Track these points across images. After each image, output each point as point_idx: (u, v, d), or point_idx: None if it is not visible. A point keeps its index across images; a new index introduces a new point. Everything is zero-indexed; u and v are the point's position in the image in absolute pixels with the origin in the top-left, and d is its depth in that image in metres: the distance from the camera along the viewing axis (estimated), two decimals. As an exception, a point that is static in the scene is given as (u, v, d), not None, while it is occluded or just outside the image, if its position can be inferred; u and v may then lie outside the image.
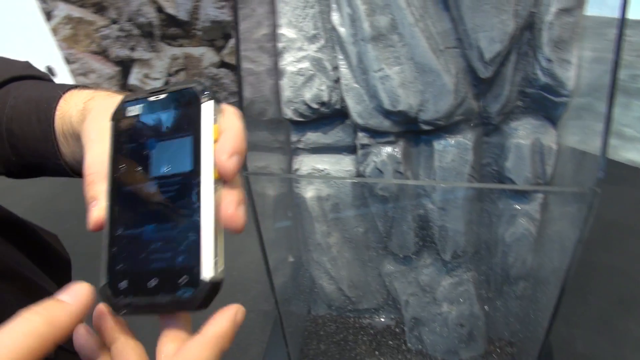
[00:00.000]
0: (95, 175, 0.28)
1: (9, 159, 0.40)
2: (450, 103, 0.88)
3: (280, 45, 0.96)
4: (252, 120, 1.07)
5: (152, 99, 0.29)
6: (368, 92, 0.92)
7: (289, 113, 1.01)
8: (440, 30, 0.84)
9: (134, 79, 2.51)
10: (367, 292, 1.28)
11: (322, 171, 1.09)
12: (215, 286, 0.25)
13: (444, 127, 0.94)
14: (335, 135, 1.05)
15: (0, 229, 0.41)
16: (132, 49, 2.42)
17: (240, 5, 0.86)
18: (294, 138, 1.07)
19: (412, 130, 0.96)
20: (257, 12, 0.96)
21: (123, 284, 0.26)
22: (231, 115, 0.29)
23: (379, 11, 0.83)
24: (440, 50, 0.85)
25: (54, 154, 0.37)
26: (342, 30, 0.88)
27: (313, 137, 1.06)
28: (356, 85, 0.92)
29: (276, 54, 0.96)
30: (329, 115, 1.01)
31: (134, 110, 0.29)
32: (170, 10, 2.33)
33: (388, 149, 0.97)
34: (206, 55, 2.53)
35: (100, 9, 2.28)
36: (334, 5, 0.88)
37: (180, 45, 2.45)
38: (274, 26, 0.96)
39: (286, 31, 0.95)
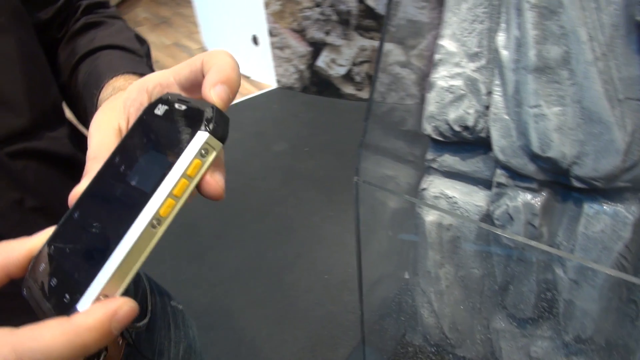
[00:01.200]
0: (91, 163, 0.29)
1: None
2: (615, 164, 0.73)
3: (437, 56, 0.89)
4: (390, 126, 1.03)
5: (176, 106, 0.27)
6: (517, 128, 0.81)
7: (428, 129, 0.94)
8: (624, 75, 0.69)
9: (321, 61, 2.64)
10: (469, 340, 1.16)
11: (450, 198, 1.01)
12: None
13: (601, 190, 0.78)
14: (474, 164, 0.96)
15: (69, 169, 0.45)
16: (327, 33, 2.54)
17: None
18: (429, 156, 1.01)
19: (561, 183, 0.82)
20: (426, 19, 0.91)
21: (42, 265, 0.25)
22: (222, 55, 0.28)
23: (552, 40, 0.72)
24: (619, 100, 0.70)
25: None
26: (504, 53, 0.78)
27: (450, 160, 0.98)
28: (506, 117, 0.82)
29: (430, 65, 0.90)
30: (471, 141, 0.92)
31: (159, 110, 0.28)
32: (370, 2, 2.37)
33: (526, 196, 0.85)
34: (393, 52, 2.53)
35: (308, -9, 2.42)
36: (502, 25, 0.78)
37: (371, 38, 2.49)
38: (437, 36, 0.90)
39: (447, 43, 0.88)
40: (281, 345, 1.54)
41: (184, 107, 0.27)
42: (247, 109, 2.75)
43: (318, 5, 2.46)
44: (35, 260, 0.26)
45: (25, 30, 0.39)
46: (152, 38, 3.66)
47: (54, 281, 0.24)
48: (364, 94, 2.66)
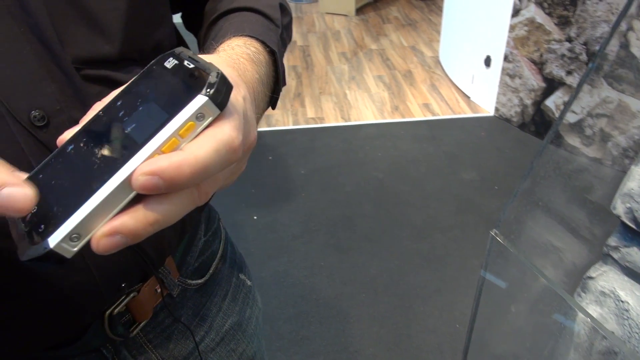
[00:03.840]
0: (99, 104, 0.29)
1: None
2: None
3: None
4: (574, 189, 0.84)
5: (185, 63, 0.27)
6: None
7: (620, 209, 0.74)
8: None
9: (552, 101, 2.35)
10: None
11: (621, 302, 0.78)
12: (52, 257, 0.23)
13: None
14: (669, 274, 0.72)
15: None
16: (569, 72, 2.24)
17: None
18: (612, 242, 0.80)
19: None
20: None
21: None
22: (210, 141, 0.24)
23: None
24: None
25: None
26: None
27: (637, 257, 0.76)
28: None
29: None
30: (675, 244, 0.69)
31: (168, 63, 0.27)
32: (635, 49, 2.00)
33: None
34: (646, 114, 2.10)
35: (563, 23, 2.17)
36: None
37: (622, 91, 2.11)
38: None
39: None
40: (382, 371, 1.45)
41: (191, 66, 0.26)
42: (453, 128, 2.63)
43: (569, 40, 2.18)
44: (30, 179, 0.27)
45: None
46: (393, 37, 3.77)
47: (34, 207, 0.25)
48: (590, 151, 2.29)
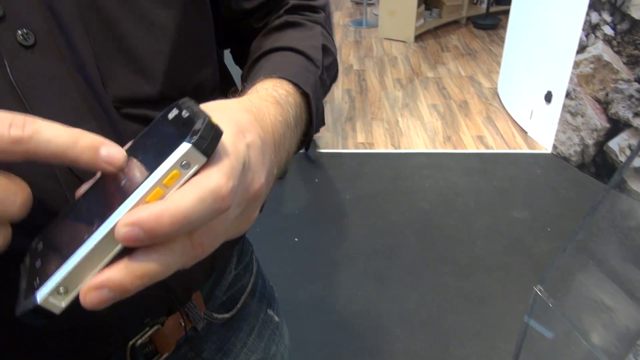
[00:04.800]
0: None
1: None
2: None
3: None
4: (631, 248, 0.79)
5: (183, 113, 0.26)
6: None
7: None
8: None
9: (616, 143, 2.23)
10: None
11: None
12: (40, 312, 0.23)
13: None
14: None
15: None
16: (637, 114, 2.12)
17: None
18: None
19: None
20: None
21: (40, 243, 0.27)
22: (194, 190, 0.24)
23: None
24: None
25: None
26: None
27: (700, 329, 0.69)
28: None
29: None
30: None
31: (171, 114, 0.27)
32: None
33: None
34: None
35: (633, 62, 2.06)
36: None
37: (695, 138, 1.97)
38: None
39: None
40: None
41: (186, 115, 0.26)
42: (506, 163, 2.54)
43: (639, 80, 2.07)
44: (40, 236, 0.28)
45: (195, 10, 0.40)
46: (452, 66, 3.72)
47: (38, 262, 0.25)
48: (655, 199, 2.15)
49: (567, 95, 2.39)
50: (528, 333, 0.83)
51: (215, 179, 0.24)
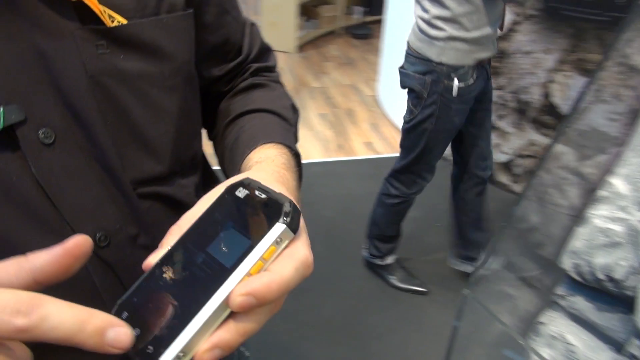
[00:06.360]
0: (176, 228, 0.32)
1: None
2: None
3: (601, 193, 0.80)
4: (524, 245, 0.95)
5: (256, 193, 0.31)
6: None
7: (567, 264, 0.84)
8: None
9: (484, 142, 2.55)
10: None
11: (569, 345, 0.88)
12: None
13: None
14: (609, 320, 0.83)
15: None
16: (500, 117, 2.45)
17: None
18: (560, 291, 0.90)
19: None
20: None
21: (125, 314, 0.29)
22: (290, 261, 0.29)
23: None
24: None
25: None
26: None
27: (582, 304, 0.86)
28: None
29: (587, 197, 0.81)
30: (613, 294, 0.80)
31: (240, 193, 0.31)
32: (556, 99, 2.24)
33: (663, 385, 0.71)
34: (566, 157, 2.34)
35: (494, 73, 2.37)
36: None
37: (545, 135, 2.34)
38: (608, 171, 0.81)
39: (618, 183, 0.79)
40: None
41: (263, 196, 0.31)
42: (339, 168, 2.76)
43: (500, 88, 2.39)
44: (120, 306, 0.30)
45: (191, 91, 0.44)
46: (335, 75, 3.91)
47: (137, 331, 0.28)
48: (518, 188, 2.50)
49: (442, 102, 2.67)
50: (445, 328, 0.95)
51: (303, 251, 0.29)
